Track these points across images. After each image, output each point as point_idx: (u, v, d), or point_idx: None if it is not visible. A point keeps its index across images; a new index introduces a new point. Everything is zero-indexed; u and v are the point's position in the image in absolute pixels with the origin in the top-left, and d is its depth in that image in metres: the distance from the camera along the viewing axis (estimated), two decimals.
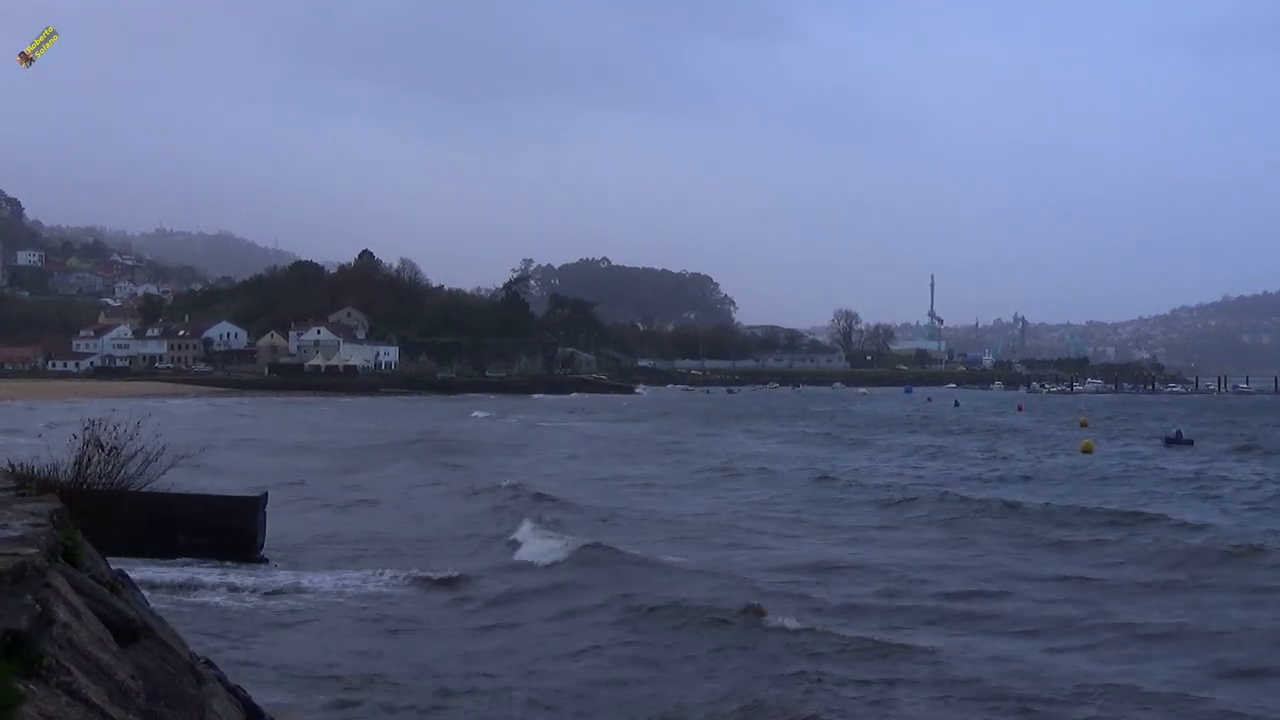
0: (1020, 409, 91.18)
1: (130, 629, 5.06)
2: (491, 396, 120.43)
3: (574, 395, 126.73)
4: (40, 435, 12.43)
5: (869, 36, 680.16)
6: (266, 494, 19.56)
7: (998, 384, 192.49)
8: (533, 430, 61.13)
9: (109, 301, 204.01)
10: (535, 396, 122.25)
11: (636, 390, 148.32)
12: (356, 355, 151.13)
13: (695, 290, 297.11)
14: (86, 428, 11.16)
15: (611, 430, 62.06)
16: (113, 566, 7.94)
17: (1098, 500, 26.78)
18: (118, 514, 10.52)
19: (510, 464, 38.12)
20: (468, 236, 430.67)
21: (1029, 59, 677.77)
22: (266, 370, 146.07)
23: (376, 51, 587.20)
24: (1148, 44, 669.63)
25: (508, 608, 15.17)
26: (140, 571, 13.68)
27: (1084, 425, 68.19)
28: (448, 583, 16.68)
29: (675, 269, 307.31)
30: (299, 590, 15.95)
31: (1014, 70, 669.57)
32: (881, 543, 21.39)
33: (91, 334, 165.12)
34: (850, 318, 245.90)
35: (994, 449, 47.88)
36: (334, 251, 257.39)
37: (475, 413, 77.77)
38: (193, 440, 13.04)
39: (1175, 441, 49.66)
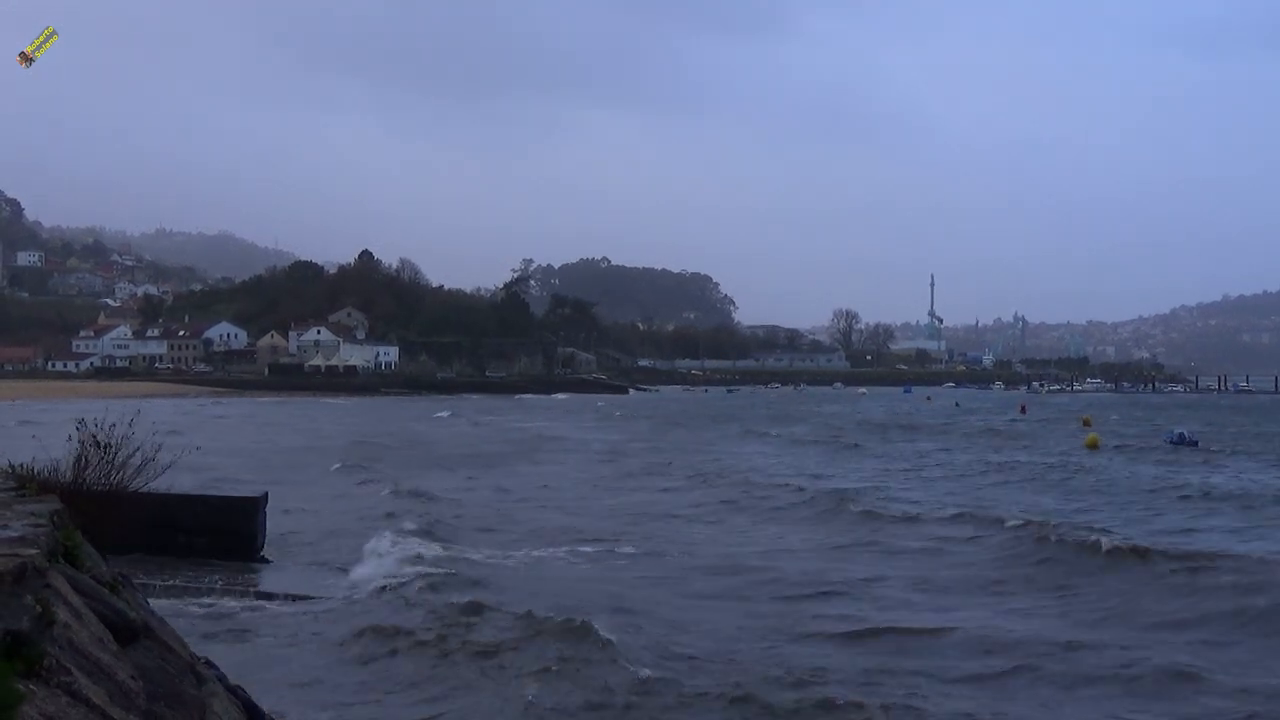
0: (1024, 410, 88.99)
1: (130, 629, 5.06)
2: (474, 396, 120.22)
3: (559, 396, 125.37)
4: (35, 436, 12.37)
5: (868, 36, 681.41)
6: (266, 494, 19.64)
7: (998, 384, 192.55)
8: (483, 431, 59.67)
9: (109, 302, 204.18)
10: (517, 397, 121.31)
11: (628, 391, 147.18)
12: (356, 355, 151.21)
13: (695, 290, 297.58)
14: (79, 428, 11.17)
15: (563, 431, 60.16)
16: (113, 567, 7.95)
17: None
18: (118, 514, 10.54)
19: (418, 468, 36.16)
20: (468, 236, 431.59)
21: (1029, 58, 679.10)
22: (266, 370, 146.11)
23: (376, 52, 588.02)
24: (1148, 43, 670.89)
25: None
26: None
27: (1087, 424, 67.76)
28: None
29: (675, 269, 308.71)
30: None
31: (1014, 69, 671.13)
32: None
33: (91, 334, 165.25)
34: (850, 317, 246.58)
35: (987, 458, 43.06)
36: (334, 251, 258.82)
37: (439, 413, 76.34)
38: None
39: (1180, 442, 47.74)
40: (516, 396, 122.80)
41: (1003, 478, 34.08)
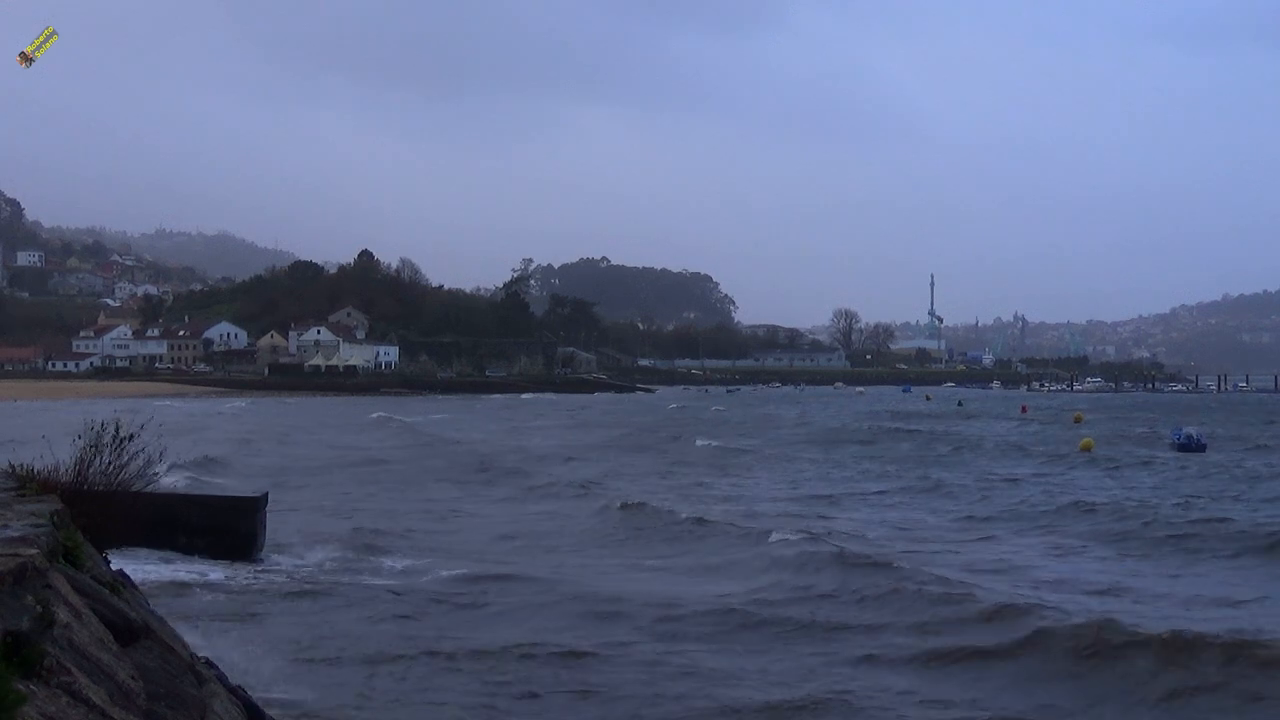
0: (1025, 410, 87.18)
1: (131, 629, 5.06)
2: (439, 397, 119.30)
3: (525, 396, 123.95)
4: (45, 436, 12.33)
5: (863, 32, 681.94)
6: (266, 494, 19.65)
7: (995, 383, 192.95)
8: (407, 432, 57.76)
9: (109, 302, 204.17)
10: (482, 397, 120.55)
11: (594, 392, 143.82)
12: (356, 355, 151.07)
13: (695, 289, 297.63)
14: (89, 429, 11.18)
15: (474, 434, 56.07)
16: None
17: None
18: (118, 514, 10.53)
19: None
20: (468, 236, 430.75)
21: (1027, 56, 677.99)
22: (266, 370, 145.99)
23: (377, 52, 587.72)
24: (1147, 41, 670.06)
25: None
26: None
27: (1079, 421, 67.24)
28: None
29: (675, 268, 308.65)
30: None
31: (1013, 68, 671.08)
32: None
33: (91, 334, 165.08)
34: (850, 317, 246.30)
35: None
36: (334, 251, 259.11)
37: (374, 413, 74.28)
38: None
39: (1187, 446, 42.86)
40: (482, 397, 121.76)
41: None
